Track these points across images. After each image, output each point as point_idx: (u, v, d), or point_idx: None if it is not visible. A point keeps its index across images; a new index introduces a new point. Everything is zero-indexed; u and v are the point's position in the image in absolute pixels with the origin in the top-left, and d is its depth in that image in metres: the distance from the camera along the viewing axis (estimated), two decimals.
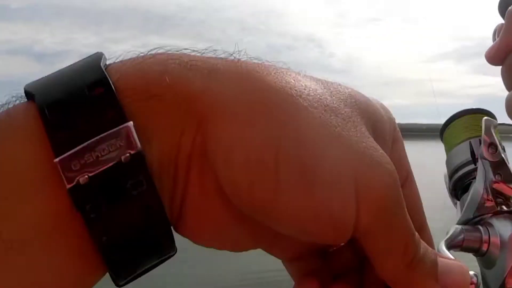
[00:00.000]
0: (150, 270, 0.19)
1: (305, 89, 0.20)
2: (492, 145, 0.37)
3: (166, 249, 0.19)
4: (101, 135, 0.17)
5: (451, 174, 0.41)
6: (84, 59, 0.20)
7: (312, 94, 0.20)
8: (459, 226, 0.36)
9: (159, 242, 0.18)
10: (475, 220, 0.37)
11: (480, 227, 0.36)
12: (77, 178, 0.16)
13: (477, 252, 0.36)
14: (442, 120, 0.42)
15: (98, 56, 0.19)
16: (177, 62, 0.19)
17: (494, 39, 0.36)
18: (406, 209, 0.20)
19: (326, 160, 0.18)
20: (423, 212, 0.25)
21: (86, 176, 0.16)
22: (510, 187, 0.38)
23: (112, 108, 0.17)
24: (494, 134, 0.38)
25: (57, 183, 0.16)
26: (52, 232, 0.17)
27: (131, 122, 0.17)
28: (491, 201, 0.36)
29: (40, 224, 0.16)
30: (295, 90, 0.19)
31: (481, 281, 0.34)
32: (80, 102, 0.17)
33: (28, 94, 0.18)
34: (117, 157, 0.17)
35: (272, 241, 0.22)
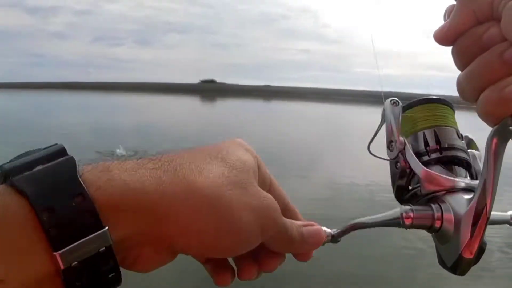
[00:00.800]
0: None
1: (219, 178, 0.32)
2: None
3: None
4: (88, 237, 0.27)
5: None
6: (58, 160, 0.29)
7: (226, 180, 0.33)
8: (408, 206, 0.37)
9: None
10: (427, 197, 0.38)
11: (432, 205, 0.37)
12: (71, 263, 0.27)
13: (429, 229, 0.37)
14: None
15: (73, 163, 0.29)
16: (136, 179, 0.30)
17: (444, 19, 0.36)
18: (284, 220, 0.36)
19: (242, 219, 0.32)
20: (286, 195, 0.40)
21: (76, 262, 0.27)
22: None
23: (91, 215, 0.27)
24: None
25: (48, 261, 0.26)
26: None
27: (107, 228, 0.28)
28: (448, 177, 0.37)
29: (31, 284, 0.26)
30: (216, 183, 0.32)
31: (337, 232, 0.39)
32: (67, 209, 0.27)
33: (17, 188, 0.27)
34: (97, 249, 0.27)
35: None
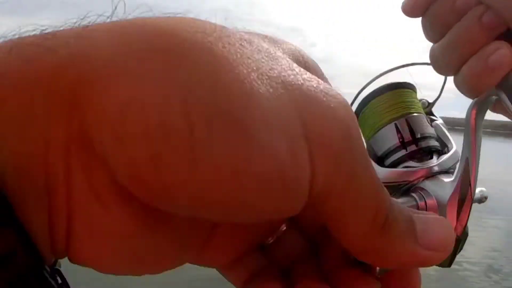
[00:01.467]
0: None
1: (222, 36, 0.14)
2: None
3: None
4: None
5: (376, 162, 0.37)
6: None
7: (234, 35, 0.14)
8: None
9: None
10: (403, 189, 0.35)
11: (414, 194, 0.34)
12: None
13: None
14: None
15: None
16: (31, 34, 0.14)
17: None
18: (369, 158, 0.15)
19: (260, 104, 0.13)
20: None
21: None
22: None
23: None
24: None
25: None
26: None
27: None
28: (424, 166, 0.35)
29: None
30: (208, 36, 0.14)
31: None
32: None
33: None
34: None
35: (202, 246, 0.17)
